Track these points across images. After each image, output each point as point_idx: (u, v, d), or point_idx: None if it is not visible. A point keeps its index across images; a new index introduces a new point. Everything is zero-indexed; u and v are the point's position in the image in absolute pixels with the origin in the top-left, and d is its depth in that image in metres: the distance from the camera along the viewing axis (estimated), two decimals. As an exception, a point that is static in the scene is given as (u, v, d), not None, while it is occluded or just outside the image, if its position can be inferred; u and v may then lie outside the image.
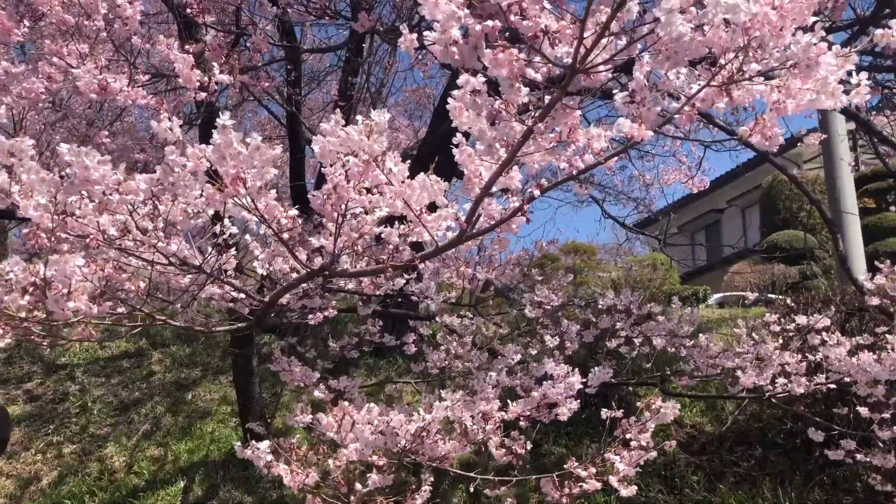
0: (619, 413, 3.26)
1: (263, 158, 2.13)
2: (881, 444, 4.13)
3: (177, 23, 3.71)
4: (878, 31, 1.74)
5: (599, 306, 4.83)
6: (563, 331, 4.44)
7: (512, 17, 1.49)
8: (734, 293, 18.52)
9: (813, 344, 5.42)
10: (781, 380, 4.71)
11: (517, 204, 2.25)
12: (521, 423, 3.40)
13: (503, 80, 1.61)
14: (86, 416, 7.97)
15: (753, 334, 5.26)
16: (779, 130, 1.90)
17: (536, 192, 2.23)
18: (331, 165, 2.43)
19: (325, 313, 3.09)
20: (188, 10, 3.28)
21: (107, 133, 3.59)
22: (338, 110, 2.27)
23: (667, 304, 5.73)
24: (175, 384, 8.76)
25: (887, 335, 4.51)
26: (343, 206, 2.35)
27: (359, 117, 2.44)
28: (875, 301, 5.20)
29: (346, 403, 2.59)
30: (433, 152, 6.18)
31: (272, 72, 4.95)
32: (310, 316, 3.08)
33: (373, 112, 2.43)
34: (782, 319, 5.70)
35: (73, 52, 2.92)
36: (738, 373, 4.60)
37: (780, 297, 16.02)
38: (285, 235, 2.44)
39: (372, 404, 2.70)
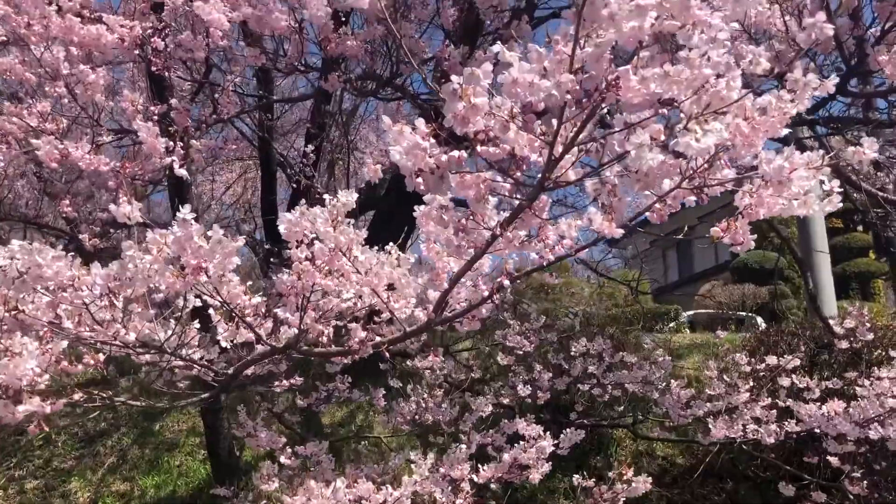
0: (591, 482, 3.23)
1: (225, 251, 2.07)
2: (850, 498, 4.14)
3: (146, 78, 3.64)
4: (850, 149, 1.72)
5: (572, 352, 4.79)
6: (535, 378, 4.39)
7: (479, 148, 1.45)
8: (705, 311, 18.68)
9: (783, 385, 5.45)
10: (752, 426, 4.71)
11: (486, 292, 2.21)
12: (493, 485, 3.36)
13: (470, 199, 1.57)
14: (49, 448, 7.77)
15: (724, 376, 5.27)
16: (750, 237, 1.88)
17: (506, 283, 2.19)
18: (296, 246, 2.39)
19: (292, 381, 3.02)
20: (152, 68, 3.20)
21: (67, 202, 3.49)
22: (303, 201, 2.22)
23: (638, 329, 5.73)
24: (143, 414, 8.60)
25: (856, 385, 4.52)
26: (309, 291, 2.30)
27: (326, 196, 2.40)
28: (844, 345, 5.23)
29: (311, 483, 2.53)
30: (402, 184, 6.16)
31: (244, 94, 4.89)
32: (276, 383, 3.02)
33: (340, 193, 2.39)
34: (753, 359, 5.72)
35: (35, 112, 2.84)
36: (710, 422, 4.59)
37: (751, 314, 16.10)
38: (249, 319, 2.38)
39: (339, 482, 2.63)
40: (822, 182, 1.80)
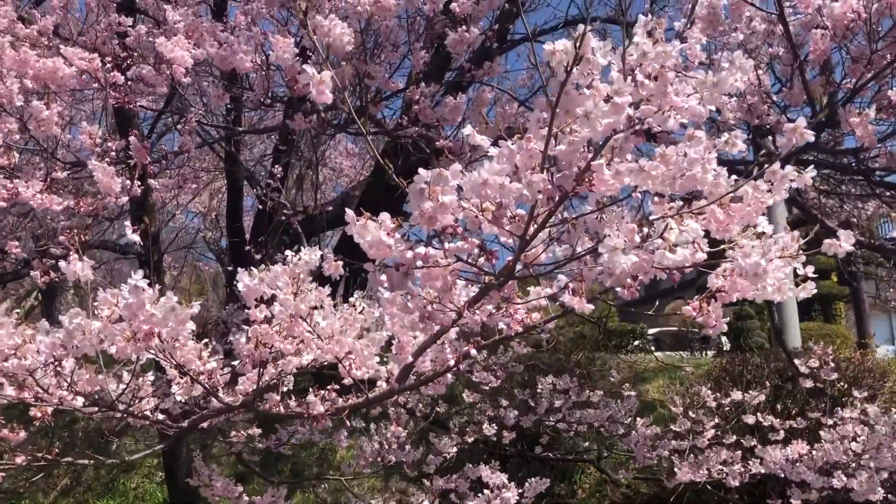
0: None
1: (179, 318, 1.97)
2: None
3: (111, 109, 3.54)
4: (827, 241, 1.68)
5: (539, 389, 4.74)
6: (501, 417, 4.34)
7: (447, 245, 1.38)
8: (670, 328, 18.83)
9: (747, 422, 5.46)
10: (717, 466, 4.70)
11: (451, 360, 2.14)
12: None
13: (437, 289, 1.50)
14: (-1, 470, 7.52)
15: (690, 412, 5.26)
16: (723, 320, 1.83)
17: (473, 352, 2.13)
18: (255, 306, 2.30)
19: (250, 431, 2.92)
20: (114, 102, 3.09)
21: (17, 244, 3.35)
22: (259, 262, 2.13)
23: (605, 354, 5.67)
24: (98, 432, 8.38)
25: (820, 430, 4.54)
26: (267, 354, 2.22)
27: (289, 253, 2.32)
28: (808, 384, 5.26)
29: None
30: (377, 202, 6.10)
31: (209, 125, 4.76)
32: (233, 434, 2.92)
33: (304, 251, 2.31)
34: (718, 394, 5.73)
35: (-17, 148, 2.71)
36: (675, 461, 4.57)
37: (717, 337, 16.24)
38: (203, 380, 2.28)
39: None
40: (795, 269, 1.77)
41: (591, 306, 2.02)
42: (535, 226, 1.53)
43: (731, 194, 1.66)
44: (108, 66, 3.06)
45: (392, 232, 1.35)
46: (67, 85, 3.08)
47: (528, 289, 2.15)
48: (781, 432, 4.83)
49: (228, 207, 8.72)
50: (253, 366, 2.35)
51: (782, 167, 1.66)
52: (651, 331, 17.78)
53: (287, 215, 7.19)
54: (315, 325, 2.13)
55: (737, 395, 5.63)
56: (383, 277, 1.38)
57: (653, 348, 16.42)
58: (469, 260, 1.47)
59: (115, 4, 3.46)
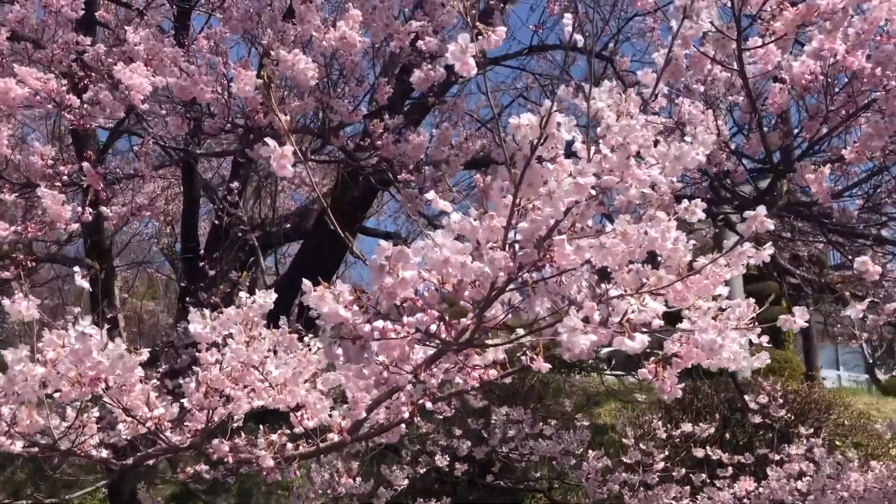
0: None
1: (127, 366, 1.92)
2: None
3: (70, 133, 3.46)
4: (782, 317, 1.70)
5: (492, 420, 4.73)
6: (455, 448, 4.31)
7: (406, 319, 1.36)
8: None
9: (697, 456, 5.52)
10: (667, 502, 4.73)
11: (406, 413, 2.12)
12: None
13: (393, 358, 1.48)
14: (-69, 487, 7.30)
15: (641, 444, 5.30)
16: (678, 386, 1.84)
17: (428, 404, 2.11)
18: (206, 350, 2.25)
19: (197, 467, 2.86)
20: (68, 125, 3.00)
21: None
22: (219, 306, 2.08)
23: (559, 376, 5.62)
24: (39, 469, 8.12)
25: (767, 466, 4.61)
26: (217, 402, 2.17)
27: (243, 294, 2.28)
28: (757, 419, 5.34)
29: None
30: (335, 220, 6.06)
31: (166, 146, 4.64)
32: (179, 468, 2.85)
33: (258, 293, 2.26)
34: (669, 425, 5.79)
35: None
36: (625, 495, 4.60)
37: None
38: (150, 425, 2.22)
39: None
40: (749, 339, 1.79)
41: (549, 365, 2.03)
42: (495, 292, 1.52)
43: (690, 261, 1.67)
44: (65, 87, 2.97)
45: (350, 305, 1.33)
46: (19, 106, 2.99)
47: (488, 341, 2.14)
48: (730, 468, 4.90)
49: (183, 220, 8.53)
50: (201, 409, 2.30)
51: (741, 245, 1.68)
52: (604, 350, 17.91)
53: (244, 231, 7.09)
54: (267, 373, 2.09)
55: (687, 426, 5.70)
56: (339, 351, 1.35)
57: (604, 367, 16.55)
58: (428, 331, 1.45)
59: (73, 22, 3.37)
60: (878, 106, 2.74)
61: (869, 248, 3.90)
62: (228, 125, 3.33)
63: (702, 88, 3.05)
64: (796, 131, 3.26)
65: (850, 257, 4.10)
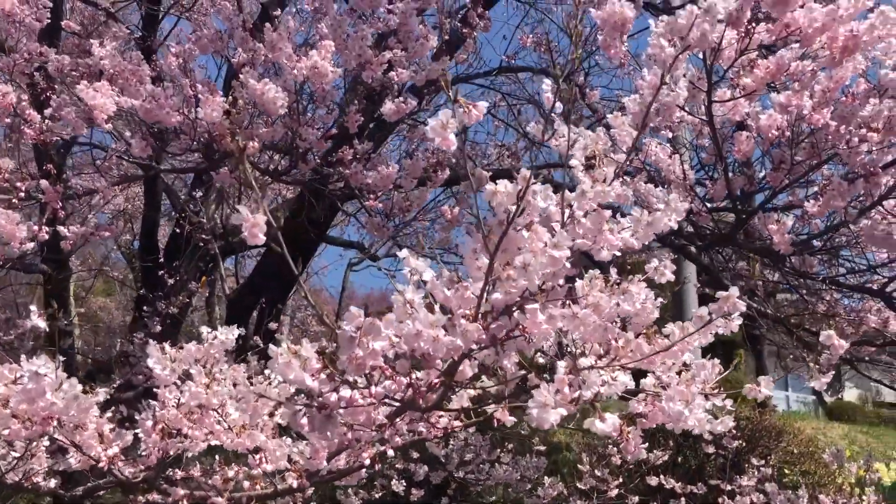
0: None
1: (82, 407, 1.86)
2: None
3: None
4: (748, 386, 1.72)
5: (450, 445, 4.72)
6: (412, 472, 4.29)
7: (374, 389, 1.34)
8: (581, 364, 19.14)
9: (651, 484, 5.57)
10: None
11: (367, 461, 2.09)
12: None
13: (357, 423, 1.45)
14: None
15: (596, 471, 5.33)
16: (641, 447, 1.85)
17: (390, 452, 2.09)
18: (165, 387, 2.20)
19: (150, 497, 2.79)
20: (29, 140, 2.92)
21: None
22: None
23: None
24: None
25: (719, 497, 4.66)
26: (174, 444, 2.12)
27: (204, 329, 2.23)
28: (710, 449, 5.41)
29: None
30: (297, 235, 6.02)
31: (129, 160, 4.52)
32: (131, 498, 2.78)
33: (220, 329, 2.22)
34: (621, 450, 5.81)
35: None
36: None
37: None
38: (103, 464, 2.16)
39: None
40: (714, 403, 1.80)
41: (514, 419, 2.03)
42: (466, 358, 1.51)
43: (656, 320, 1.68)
44: (25, 102, 2.89)
45: (317, 374, 1.30)
46: (-25, 118, 2.90)
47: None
48: (683, 499, 4.95)
49: (143, 229, 8.32)
50: (155, 452, 2.24)
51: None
52: (562, 365, 17.99)
53: (205, 240, 6.97)
54: (226, 415, 2.05)
55: (641, 453, 5.73)
56: (304, 421, 1.32)
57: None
58: (397, 398, 1.43)
59: (36, 32, 3.28)
60: (840, 159, 2.80)
61: (825, 289, 3.98)
62: (195, 144, 3.27)
63: (670, 135, 3.08)
64: (761, 176, 3.32)
65: (806, 297, 4.18)
